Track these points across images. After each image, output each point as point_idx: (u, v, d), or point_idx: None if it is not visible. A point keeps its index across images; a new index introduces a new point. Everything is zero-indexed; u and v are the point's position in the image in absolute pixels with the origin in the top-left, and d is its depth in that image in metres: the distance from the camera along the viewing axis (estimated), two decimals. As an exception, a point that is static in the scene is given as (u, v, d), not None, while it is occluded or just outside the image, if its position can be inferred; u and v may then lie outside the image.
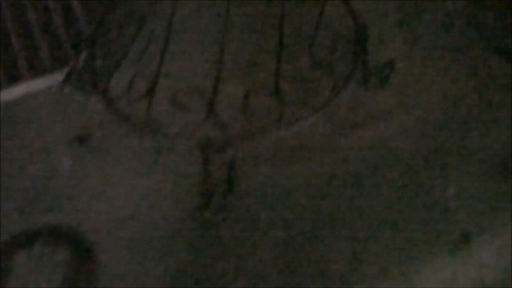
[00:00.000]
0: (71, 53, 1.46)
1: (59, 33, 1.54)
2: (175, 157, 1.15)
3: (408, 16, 1.61)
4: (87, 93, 1.29)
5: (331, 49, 1.27)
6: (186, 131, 1.13)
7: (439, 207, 1.16)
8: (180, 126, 1.16)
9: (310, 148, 1.32)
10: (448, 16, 1.61)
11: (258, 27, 1.55)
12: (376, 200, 1.25)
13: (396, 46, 1.55)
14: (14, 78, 1.48)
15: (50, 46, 1.51)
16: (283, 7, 1.37)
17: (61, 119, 1.41)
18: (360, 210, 1.21)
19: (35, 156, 1.35)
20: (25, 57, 1.51)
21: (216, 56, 1.27)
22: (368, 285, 1.03)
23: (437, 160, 1.27)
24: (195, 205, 1.23)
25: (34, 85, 1.47)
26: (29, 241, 1.13)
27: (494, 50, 1.48)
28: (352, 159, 1.34)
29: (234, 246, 1.12)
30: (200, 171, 1.16)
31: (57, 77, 1.38)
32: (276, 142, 1.15)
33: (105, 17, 1.39)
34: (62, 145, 1.36)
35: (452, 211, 1.19)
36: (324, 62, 1.23)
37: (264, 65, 1.39)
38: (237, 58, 1.48)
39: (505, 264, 1.10)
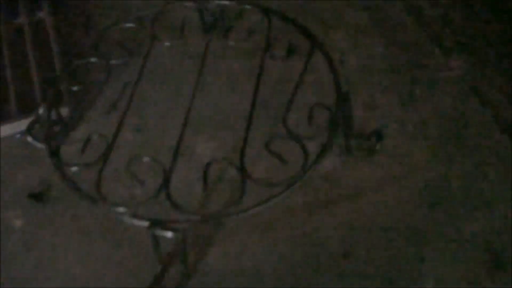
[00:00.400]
0: (39, 102, 1.38)
1: (30, 80, 1.48)
2: (126, 229, 1.06)
3: (403, 79, 1.50)
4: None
5: (308, 116, 1.16)
6: (137, 206, 1.03)
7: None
8: (132, 201, 1.06)
9: (277, 226, 1.22)
10: (447, 82, 1.49)
11: (232, 84, 1.45)
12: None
13: (386, 112, 1.44)
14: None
15: (19, 93, 1.44)
16: (262, 63, 1.27)
17: (20, 171, 1.34)
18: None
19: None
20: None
21: (184, 114, 1.18)
22: None
23: (416, 248, 1.16)
24: (146, 279, 1.14)
25: (-2, 131, 1.41)
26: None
27: (495, 123, 1.36)
28: (326, 239, 1.23)
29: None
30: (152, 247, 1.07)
31: (22, 125, 1.31)
32: (237, 219, 1.04)
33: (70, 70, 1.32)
34: (17, 202, 1.29)
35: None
36: (298, 133, 1.12)
37: (234, 127, 1.30)
38: (206, 117, 1.40)
39: None
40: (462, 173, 1.28)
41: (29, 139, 1.21)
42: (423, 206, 1.22)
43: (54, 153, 1.11)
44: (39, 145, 1.20)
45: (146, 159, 1.11)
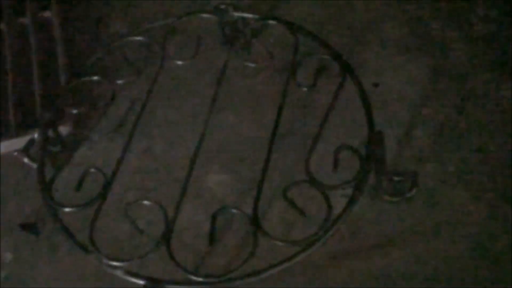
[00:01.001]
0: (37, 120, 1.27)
1: (32, 91, 1.36)
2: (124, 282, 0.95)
3: (445, 109, 1.32)
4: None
5: (334, 161, 1.02)
6: (132, 261, 0.92)
7: None
8: (127, 254, 0.95)
9: (295, 280, 1.09)
10: (496, 114, 1.30)
11: (252, 108, 1.28)
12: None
13: (424, 148, 1.27)
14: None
15: (19, 105, 1.33)
16: (285, 89, 1.11)
17: (14, 196, 1.23)
18: None
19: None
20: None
21: (196, 140, 1.05)
22: None
23: None
24: None
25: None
26: None
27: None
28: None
29: None
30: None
31: (20, 142, 1.20)
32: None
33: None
34: (8, 231, 1.19)
35: None
36: (321, 182, 0.99)
37: (251, 159, 1.15)
38: (221, 145, 1.25)
39: None
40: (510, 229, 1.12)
41: (25, 160, 1.11)
42: (463, 264, 1.08)
43: (46, 189, 1.00)
44: (36, 169, 1.09)
45: (146, 202, 0.99)
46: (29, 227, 1.18)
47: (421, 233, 1.13)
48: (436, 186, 1.20)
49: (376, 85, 1.35)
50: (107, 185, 1.01)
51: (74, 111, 1.18)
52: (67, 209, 0.99)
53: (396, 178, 1.16)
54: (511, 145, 1.24)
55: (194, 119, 1.27)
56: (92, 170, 1.04)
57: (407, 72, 1.38)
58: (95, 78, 1.18)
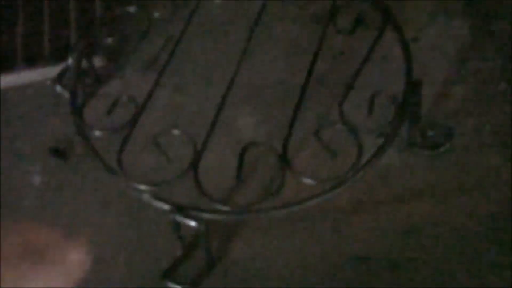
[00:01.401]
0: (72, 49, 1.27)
1: (68, 22, 1.36)
2: (149, 207, 0.96)
3: (486, 69, 1.27)
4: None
5: (369, 105, 1.01)
6: (160, 186, 0.93)
7: None
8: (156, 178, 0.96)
9: (312, 223, 1.08)
10: None
11: (287, 53, 1.26)
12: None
13: (459, 107, 1.24)
14: (9, 65, 1.32)
15: (54, 35, 1.34)
16: (323, 34, 1.09)
17: (45, 123, 1.25)
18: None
19: (9, 162, 1.21)
20: (25, 45, 1.34)
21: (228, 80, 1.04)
22: None
23: (473, 271, 0.99)
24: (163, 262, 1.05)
25: (28, 76, 1.31)
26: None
27: None
28: (368, 245, 1.08)
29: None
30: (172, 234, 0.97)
31: (54, 71, 1.20)
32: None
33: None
34: (37, 156, 1.21)
35: None
36: (354, 124, 0.97)
37: (282, 103, 1.13)
38: (252, 87, 1.24)
39: None
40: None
41: (58, 88, 1.12)
42: (483, 227, 1.05)
43: (77, 112, 1.01)
44: (69, 95, 1.10)
45: (176, 132, 0.99)
46: (58, 153, 1.20)
47: (450, 190, 1.11)
48: (469, 145, 1.17)
49: (415, 39, 1.32)
50: (138, 113, 1.01)
51: (109, 41, 1.18)
52: (97, 133, 1.00)
53: (429, 133, 1.15)
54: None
55: (228, 60, 1.25)
56: (124, 98, 1.04)
57: (449, 29, 1.35)
58: (131, 8, 1.17)
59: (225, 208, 0.90)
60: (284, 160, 0.94)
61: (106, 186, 1.13)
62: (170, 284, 1.00)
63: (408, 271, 1.02)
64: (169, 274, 1.01)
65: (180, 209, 0.90)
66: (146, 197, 0.93)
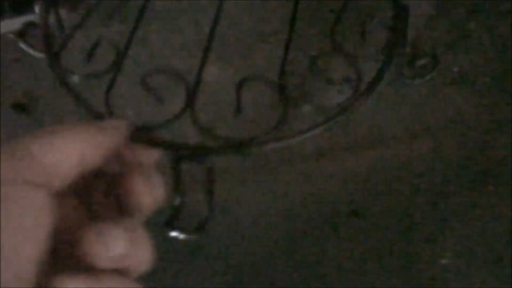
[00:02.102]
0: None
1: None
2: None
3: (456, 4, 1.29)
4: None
5: (361, 31, 0.99)
6: (154, 125, 0.87)
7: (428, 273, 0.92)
8: (146, 117, 0.90)
9: (303, 162, 1.07)
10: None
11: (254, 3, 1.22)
12: (362, 237, 0.99)
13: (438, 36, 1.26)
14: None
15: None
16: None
17: (6, 78, 1.15)
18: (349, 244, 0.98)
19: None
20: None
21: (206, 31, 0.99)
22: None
23: (438, 214, 1.01)
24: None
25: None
26: None
27: None
28: (353, 181, 1.08)
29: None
30: (170, 179, 0.91)
31: (14, 24, 1.11)
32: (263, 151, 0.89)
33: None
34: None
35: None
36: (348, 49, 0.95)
37: (267, 46, 1.10)
38: (233, 35, 1.19)
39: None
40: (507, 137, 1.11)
41: (22, 44, 1.03)
42: (455, 166, 1.06)
43: (54, 57, 0.93)
44: (33, 52, 1.02)
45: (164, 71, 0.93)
46: (21, 108, 1.11)
47: (416, 133, 1.10)
48: (437, 86, 1.18)
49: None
50: (120, 55, 0.95)
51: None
52: (76, 78, 0.93)
53: (418, 62, 1.14)
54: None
55: (193, 10, 1.20)
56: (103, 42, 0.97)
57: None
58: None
59: (230, 142, 0.85)
60: (282, 89, 0.91)
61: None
62: (174, 233, 0.95)
63: (373, 217, 1.02)
64: (171, 223, 0.96)
65: (184, 153, 0.85)
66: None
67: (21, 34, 1.03)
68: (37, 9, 1.03)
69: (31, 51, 1.02)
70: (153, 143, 0.87)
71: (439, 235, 0.97)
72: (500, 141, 1.05)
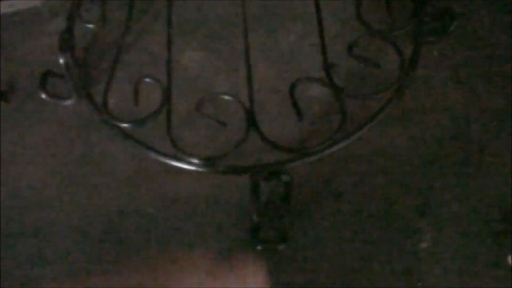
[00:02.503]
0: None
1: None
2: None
3: None
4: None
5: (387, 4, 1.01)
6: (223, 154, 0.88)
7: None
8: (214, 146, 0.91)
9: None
10: None
11: None
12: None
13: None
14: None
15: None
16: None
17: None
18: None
19: None
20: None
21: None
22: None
23: (418, 199, 1.02)
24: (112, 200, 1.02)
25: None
26: None
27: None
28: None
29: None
30: (249, 198, 0.92)
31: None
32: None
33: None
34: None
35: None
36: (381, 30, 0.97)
37: (228, 41, 1.11)
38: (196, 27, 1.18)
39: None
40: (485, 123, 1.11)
41: (45, 96, 1.00)
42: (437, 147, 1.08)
43: (103, 109, 0.91)
44: (62, 101, 1.00)
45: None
46: (1, 96, 1.15)
47: (395, 118, 1.09)
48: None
49: None
50: (167, 91, 0.94)
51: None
52: (126, 125, 0.91)
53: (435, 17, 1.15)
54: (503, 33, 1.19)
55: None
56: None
57: None
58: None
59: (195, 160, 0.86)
60: (334, 87, 0.92)
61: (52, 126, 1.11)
62: (260, 247, 0.98)
63: (352, 200, 1.04)
64: (255, 237, 0.98)
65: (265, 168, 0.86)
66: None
67: (41, 84, 1.01)
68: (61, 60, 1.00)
69: (60, 102, 1.00)
70: (233, 170, 0.88)
71: (417, 223, 1.00)
72: (478, 130, 1.08)
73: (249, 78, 0.94)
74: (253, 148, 0.88)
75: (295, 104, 0.90)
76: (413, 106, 1.10)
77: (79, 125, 1.12)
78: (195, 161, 0.86)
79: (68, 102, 1.02)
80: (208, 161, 0.86)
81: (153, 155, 0.88)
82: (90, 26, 1.05)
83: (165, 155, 0.87)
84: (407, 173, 1.06)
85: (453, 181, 1.04)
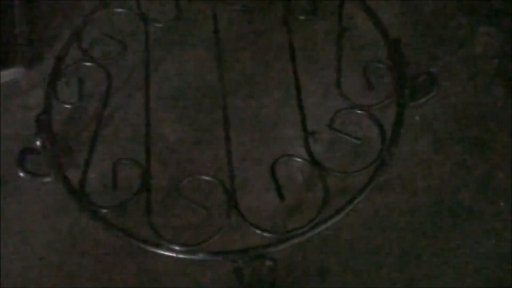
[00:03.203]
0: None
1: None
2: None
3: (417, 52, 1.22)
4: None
5: (367, 79, 1.01)
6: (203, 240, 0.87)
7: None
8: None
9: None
10: (468, 61, 1.22)
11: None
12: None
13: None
14: None
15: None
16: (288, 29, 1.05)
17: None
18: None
19: None
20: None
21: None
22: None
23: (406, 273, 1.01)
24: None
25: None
26: None
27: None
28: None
29: None
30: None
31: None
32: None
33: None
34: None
35: None
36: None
37: (209, 111, 1.13)
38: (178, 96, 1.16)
39: None
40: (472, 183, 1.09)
41: (23, 173, 0.99)
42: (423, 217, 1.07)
43: (83, 196, 0.90)
44: (40, 178, 0.98)
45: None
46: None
47: (379, 185, 1.03)
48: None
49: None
50: (146, 172, 0.93)
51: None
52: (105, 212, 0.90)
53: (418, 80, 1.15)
54: (483, 93, 1.19)
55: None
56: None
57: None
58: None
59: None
60: (316, 164, 0.92)
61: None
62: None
63: (338, 277, 1.02)
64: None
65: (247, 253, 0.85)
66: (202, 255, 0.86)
67: (19, 161, 0.99)
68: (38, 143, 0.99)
69: (38, 179, 0.99)
70: (214, 256, 0.87)
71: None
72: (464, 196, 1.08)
73: (229, 155, 0.93)
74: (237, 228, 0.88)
75: (277, 186, 0.89)
76: (396, 173, 1.10)
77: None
78: (176, 248, 0.84)
79: (47, 179, 1.00)
80: (189, 248, 0.84)
81: (134, 242, 0.86)
82: (67, 106, 1.03)
83: (145, 242, 0.86)
84: (392, 246, 1.04)
85: (441, 253, 1.03)
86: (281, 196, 0.89)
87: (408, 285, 1.00)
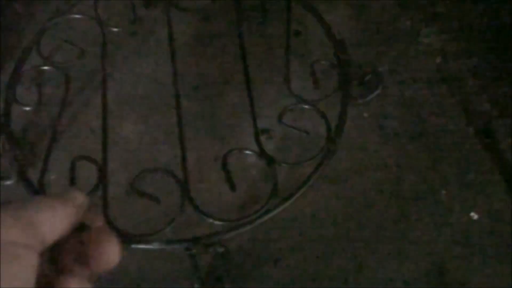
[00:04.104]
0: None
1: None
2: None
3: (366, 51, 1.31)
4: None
5: (313, 78, 1.06)
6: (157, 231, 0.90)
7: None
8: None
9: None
10: (414, 58, 1.32)
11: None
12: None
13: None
14: None
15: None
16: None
17: None
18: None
19: None
20: None
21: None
22: None
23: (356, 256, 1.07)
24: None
25: None
26: None
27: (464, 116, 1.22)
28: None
29: None
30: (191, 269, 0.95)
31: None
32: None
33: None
34: None
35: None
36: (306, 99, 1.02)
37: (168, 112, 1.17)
38: (137, 98, 1.23)
39: None
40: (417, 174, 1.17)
41: None
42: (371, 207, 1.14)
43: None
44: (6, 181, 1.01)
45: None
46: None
47: (330, 179, 1.14)
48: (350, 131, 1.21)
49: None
50: (103, 171, 0.97)
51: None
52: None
53: (366, 78, 1.21)
54: (426, 90, 1.27)
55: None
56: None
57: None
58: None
59: (236, 223, 0.90)
60: (265, 155, 0.97)
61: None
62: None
63: (290, 264, 1.08)
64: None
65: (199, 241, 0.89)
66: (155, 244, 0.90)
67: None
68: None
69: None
70: (169, 242, 0.90)
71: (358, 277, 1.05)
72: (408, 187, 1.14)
73: (182, 148, 0.98)
74: (192, 219, 0.92)
75: (228, 176, 0.94)
76: (346, 166, 1.15)
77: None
78: (131, 238, 0.88)
79: (8, 182, 1.03)
80: (142, 238, 0.88)
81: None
82: (27, 109, 1.07)
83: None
84: (342, 235, 1.09)
85: (388, 240, 1.09)
86: (232, 187, 0.93)
87: (358, 272, 1.06)
